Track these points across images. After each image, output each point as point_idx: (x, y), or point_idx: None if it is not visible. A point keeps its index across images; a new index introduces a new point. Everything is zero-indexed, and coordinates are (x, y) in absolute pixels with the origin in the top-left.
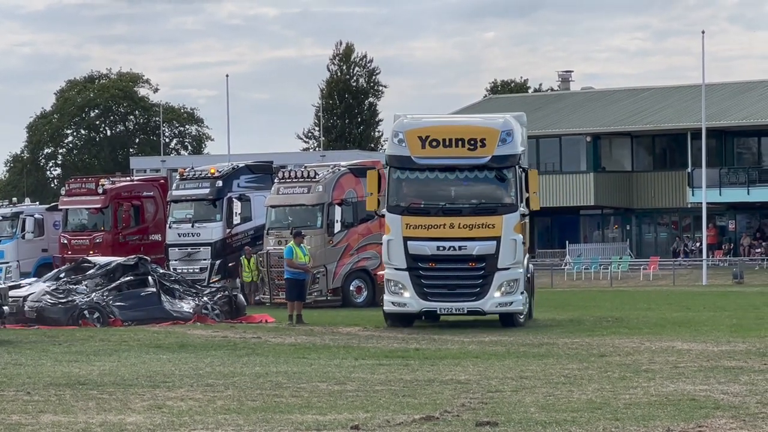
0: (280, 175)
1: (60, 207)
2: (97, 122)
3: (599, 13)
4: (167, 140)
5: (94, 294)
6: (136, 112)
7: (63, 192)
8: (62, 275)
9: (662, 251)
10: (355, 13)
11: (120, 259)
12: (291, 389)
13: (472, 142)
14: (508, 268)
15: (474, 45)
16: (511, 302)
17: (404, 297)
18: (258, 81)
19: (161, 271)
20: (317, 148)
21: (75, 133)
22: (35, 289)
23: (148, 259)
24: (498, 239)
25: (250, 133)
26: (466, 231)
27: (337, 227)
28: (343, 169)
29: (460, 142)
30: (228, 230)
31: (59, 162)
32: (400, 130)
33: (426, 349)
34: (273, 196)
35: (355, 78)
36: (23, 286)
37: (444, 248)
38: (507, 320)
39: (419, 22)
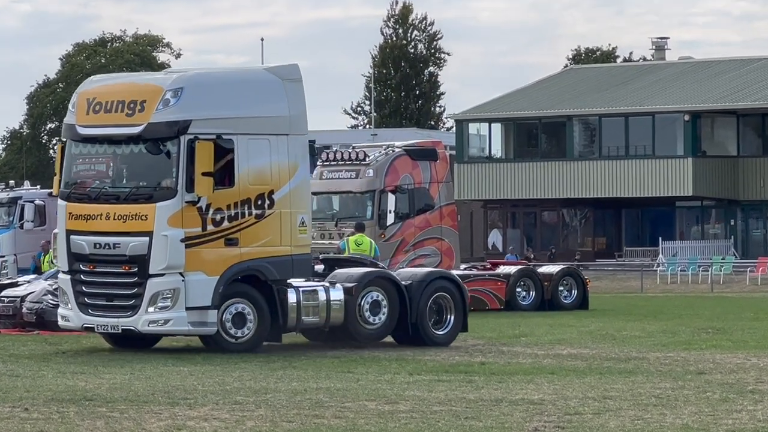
0: (323, 156)
1: None
2: None
3: None
4: None
5: None
6: None
7: None
8: None
9: None
10: None
11: None
12: (333, 409)
13: (132, 105)
14: (162, 275)
15: (551, 6)
16: (168, 320)
17: (67, 309)
18: (297, 46)
19: None
20: (367, 126)
21: None
22: (35, 288)
23: None
24: (151, 235)
25: None
26: (120, 223)
27: (390, 219)
28: (397, 150)
29: (120, 106)
30: None
31: None
32: (77, 91)
33: (493, 363)
34: (315, 182)
35: (413, 43)
36: (21, 285)
37: (100, 245)
38: (208, 341)
39: None
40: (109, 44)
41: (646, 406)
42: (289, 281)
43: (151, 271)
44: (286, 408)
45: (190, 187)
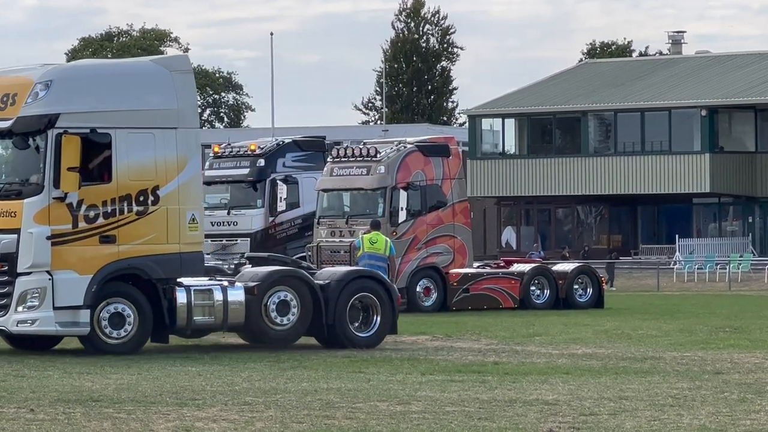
0: (334, 153)
1: None
2: None
3: None
4: (199, 110)
5: None
6: None
7: None
8: None
9: None
10: None
11: None
12: (344, 409)
13: (5, 98)
14: (30, 273)
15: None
16: (35, 320)
17: None
18: (307, 40)
19: None
20: (379, 122)
21: None
22: None
23: None
24: (19, 232)
25: (298, 103)
26: None
27: (402, 216)
28: (409, 146)
29: None
30: (271, 218)
31: None
32: None
33: (507, 363)
34: (325, 179)
35: (425, 38)
36: None
37: None
38: (83, 342)
39: None
40: (115, 39)
41: (663, 407)
42: (180, 280)
43: (18, 270)
44: (296, 409)
45: (57, 183)
